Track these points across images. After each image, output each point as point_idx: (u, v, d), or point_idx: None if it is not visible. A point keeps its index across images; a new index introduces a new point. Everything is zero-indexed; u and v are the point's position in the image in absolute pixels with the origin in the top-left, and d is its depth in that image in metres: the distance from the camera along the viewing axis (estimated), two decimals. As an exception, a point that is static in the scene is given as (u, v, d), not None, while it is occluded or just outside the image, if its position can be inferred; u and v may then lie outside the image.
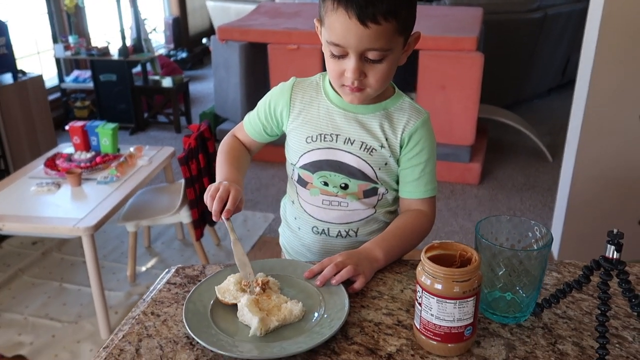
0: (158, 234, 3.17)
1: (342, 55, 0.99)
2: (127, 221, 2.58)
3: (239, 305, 0.89)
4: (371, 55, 0.98)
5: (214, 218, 1.02)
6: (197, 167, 2.51)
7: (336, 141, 1.11)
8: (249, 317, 0.87)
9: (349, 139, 1.11)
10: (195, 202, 2.53)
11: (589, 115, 2.45)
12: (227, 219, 1.02)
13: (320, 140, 1.12)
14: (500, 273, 0.86)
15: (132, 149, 2.79)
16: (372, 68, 1.00)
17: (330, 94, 1.13)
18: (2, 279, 2.72)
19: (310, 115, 1.14)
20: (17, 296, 2.62)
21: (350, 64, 0.99)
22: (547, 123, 4.78)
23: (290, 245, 1.29)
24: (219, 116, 4.55)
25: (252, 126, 1.23)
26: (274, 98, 1.18)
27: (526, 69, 4.96)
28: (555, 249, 2.80)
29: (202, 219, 2.62)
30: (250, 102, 4.04)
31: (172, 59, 6.38)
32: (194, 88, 5.98)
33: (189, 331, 0.84)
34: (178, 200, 2.60)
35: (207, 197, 1.04)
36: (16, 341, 2.32)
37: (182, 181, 2.56)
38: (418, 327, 0.83)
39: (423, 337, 0.82)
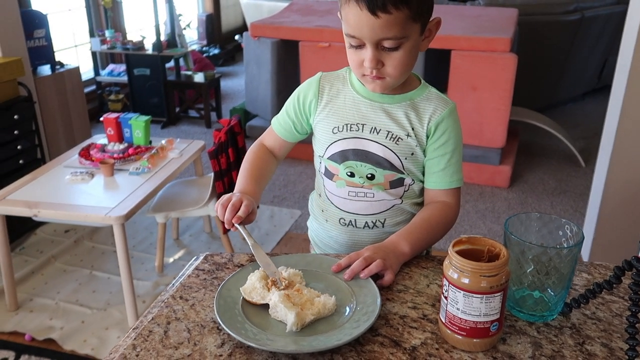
0: (186, 226, 3.22)
1: (360, 46, 1.02)
2: (157, 212, 2.63)
3: (271, 303, 0.89)
4: (387, 44, 0.99)
5: (226, 226, 1.04)
6: (227, 161, 2.54)
7: (362, 130, 1.12)
8: (283, 312, 0.86)
9: (375, 128, 1.11)
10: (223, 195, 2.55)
11: (625, 120, 2.40)
12: (239, 224, 1.03)
13: (347, 130, 1.13)
14: (528, 270, 0.85)
15: (163, 142, 2.84)
16: (389, 56, 1.01)
17: (356, 85, 1.14)
18: (36, 265, 2.80)
19: (337, 106, 1.15)
20: (49, 282, 2.69)
21: (367, 53, 1.01)
22: (580, 127, 4.69)
23: (319, 238, 1.30)
24: (249, 112, 4.59)
25: (281, 126, 1.24)
26: (302, 92, 1.19)
27: (561, 72, 4.87)
28: (585, 254, 2.75)
29: (229, 212, 2.65)
30: (281, 99, 4.06)
31: (204, 55, 6.46)
32: (225, 84, 6.04)
33: (224, 327, 0.83)
34: (207, 193, 2.64)
35: (217, 206, 1.06)
36: (47, 325, 2.38)
37: (212, 174, 2.59)
38: (443, 321, 0.83)
39: (448, 331, 0.82)
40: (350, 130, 1.13)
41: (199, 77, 4.87)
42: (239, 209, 1.04)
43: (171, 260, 2.90)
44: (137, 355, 0.81)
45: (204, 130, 4.82)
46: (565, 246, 0.88)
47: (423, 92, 1.13)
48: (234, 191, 1.13)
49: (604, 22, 4.76)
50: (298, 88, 1.22)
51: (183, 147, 2.86)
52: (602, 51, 5.02)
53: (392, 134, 1.11)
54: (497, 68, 3.40)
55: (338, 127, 1.14)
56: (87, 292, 2.61)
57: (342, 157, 1.14)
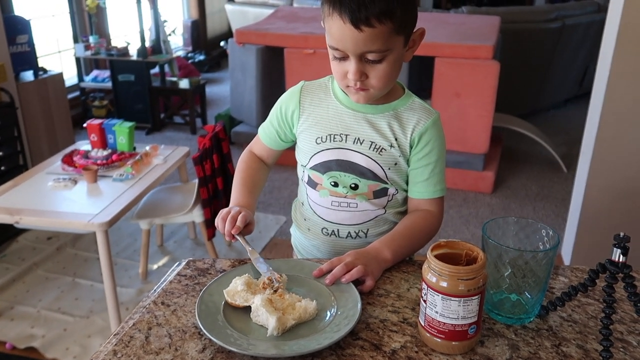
0: (171, 232, 3.21)
1: (343, 58, 1.01)
2: (141, 219, 2.61)
3: (253, 306, 0.89)
4: (370, 56, 0.99)
5: (226, 238, 1.09)
6: (211, 167, 2.53)
7: (345, 141, 1.12)
8: (264, 317, 0.87)
9: (359, 138, 1.12)
10: (208, 201, 2.55)
11: (604, 126, 2.44)
12: (238, 234, 1.07)
13: (330, 141, 1.13)
14: (506, 274, 0.87)
15: (147, 148, 2.83)
16: (373, 69, 1.01)
17: (339, 95, 1.14)
18: (17, 273, 2.77)
19: (320, 116, 1.15)
20: (31, 290, 2.66)
21: (351, 66, 1.01)
22: (562, 134, 4.76)
23: (302, 246, 1.31)
24: (235, 118, 4.58)
25: (267, 135, 1.26)
26: (285, 103, 1.20)
27: (543, 78, 4.94)
28: (567, 259, 2.78)
29: (214, 218, 2.64)
30: (266, 105, 4.07)
31: (189, 61, 6.44)
32: (210, 90, 6.03)
33: (205, 332, 0.84)
34: (191, 199, 2.63)
35: (218, 220, 1.11)
36: (29, 334, 2.36)
37: (196, 181, 2.59)
38: (422, 324, 0.84)
39: (427, 335, 0.83)
40: (334, 141, 1.13)
41: (184, 84, 4.86)
42: (237, 220, 1.08)
43: (155, 267, 2.88)
44: (117, 361, 0.81)
45: (189, 137, 4.81)
46: (542, 249, 0.89)
47: (407, 101, 1.13)
48: (230, 204, 1.18)
49: (585, 30, 4.84)
50: (281, 98, 1.22)
51: (167, 153, 2.85)
52: (584, 58, 5.10)
53: (376, 145, 1.11)
54: (480, 75, 3.43)
55: (321, 137, 1.14)
56: (70, 299, 2.59)
57: (325, 167, 1.15)
